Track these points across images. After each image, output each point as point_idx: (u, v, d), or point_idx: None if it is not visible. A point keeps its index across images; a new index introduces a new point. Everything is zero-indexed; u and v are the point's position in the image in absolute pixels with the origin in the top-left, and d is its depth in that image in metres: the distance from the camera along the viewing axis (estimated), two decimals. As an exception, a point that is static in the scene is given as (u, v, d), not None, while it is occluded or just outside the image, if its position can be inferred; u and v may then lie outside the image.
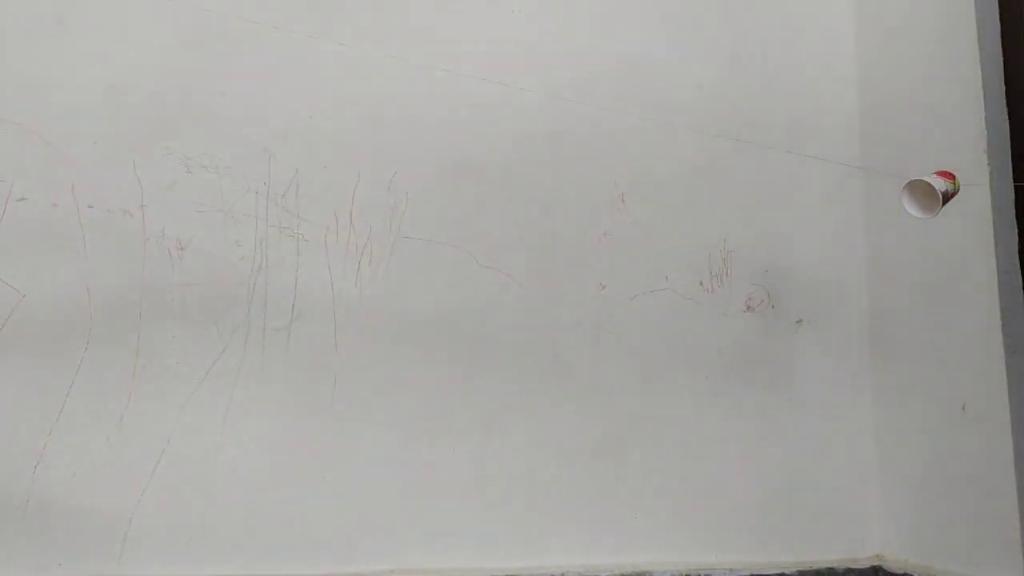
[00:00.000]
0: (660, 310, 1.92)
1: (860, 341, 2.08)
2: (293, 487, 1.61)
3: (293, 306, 1.66)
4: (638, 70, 1.99)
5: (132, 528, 1.51)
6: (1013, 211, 1.77)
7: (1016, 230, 1.77)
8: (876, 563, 1.94)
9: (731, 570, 1.84)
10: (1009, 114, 1.73)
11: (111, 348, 1.54)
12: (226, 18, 1.71)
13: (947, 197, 1.57)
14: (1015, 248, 1.75)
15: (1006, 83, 1.74)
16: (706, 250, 1.98)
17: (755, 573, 1.85)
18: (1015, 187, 1.76)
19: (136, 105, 1.62)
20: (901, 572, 1.88)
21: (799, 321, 2.03)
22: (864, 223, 2.11)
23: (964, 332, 1.78)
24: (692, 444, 1.89)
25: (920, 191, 1.59)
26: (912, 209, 1.60)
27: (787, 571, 1.87)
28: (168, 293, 1.59)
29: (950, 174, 1.59)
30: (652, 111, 1.98)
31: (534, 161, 1.87)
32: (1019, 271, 1.74)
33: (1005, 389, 1.68)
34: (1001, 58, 1.76)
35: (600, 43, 1.98)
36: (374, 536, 1.65)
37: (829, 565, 1.91)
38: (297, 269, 1.67)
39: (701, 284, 1.96)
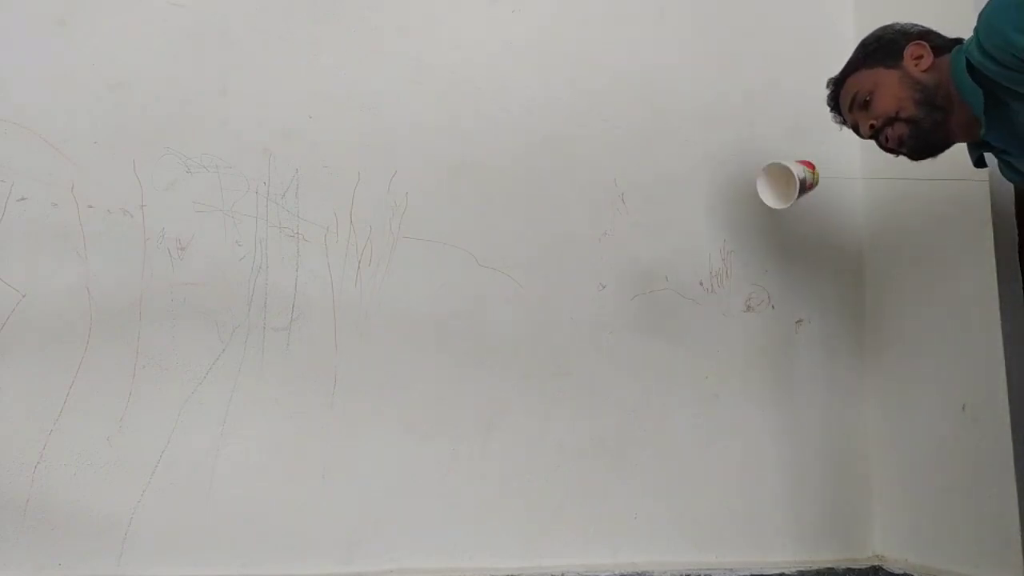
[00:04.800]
0: (660, 310, 1.92)
1: (860, 341, 2.08)
2: (293, 487, 1.61)
3: (293, 306, 1.66)
4: (638, 69, 1.99)
5: (132, 528, 1.51)
6: (1013, 211, 1.77)
7: (1016, 230, 1.77)
8: (876, 563, 1.94)
9: (731, 570, 1.84)
10: (1009, 114, 1.73)
11: (111, 348, 1.54)
12: (226, 18, 1.71)
13: (805, 185, 1.54)
14: (1015, 248, 1.75)
15: (1006, 83, 1.75)
16: (706, 250, 1.98)
17: (755, 573, 1.85)
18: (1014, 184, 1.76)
19: (136, 105, 1.62)
20: (901, 572, 1.88)
21: (799, 321, 2.03)
22: (864, 223, 2.12)
23: (964, 332, 1.79)
24: (692, 444, 1.89)
25: (779, 178, 1.57)
26: (768, 197, 1.58)
27: (787, 571, 1.87)
28: (168, 293, 1.59)
29: (811, 164, 1.58)
30: (652, 110, 1.99)
31: (534, 161, 1.87)
32: (1019, 271, 1.74)
33: (1005, 389, 1.68)
34: (1001, 58, 1.76)
35: (600, 42, 1.98)
36: (374, 536, 1.65)
37: (829, 565, 1.91)
38: (297, 269, 1.67)
39: (701, 284, 1.96)
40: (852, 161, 2.11)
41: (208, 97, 1.67)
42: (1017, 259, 1.75)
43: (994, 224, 1.74)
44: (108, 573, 1.49)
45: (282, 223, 1.68)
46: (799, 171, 1.54)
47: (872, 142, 1.49)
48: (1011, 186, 1.76)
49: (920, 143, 1.41)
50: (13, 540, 1.45)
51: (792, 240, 2.06)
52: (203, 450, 1.57)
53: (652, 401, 1.88)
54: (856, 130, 1.51)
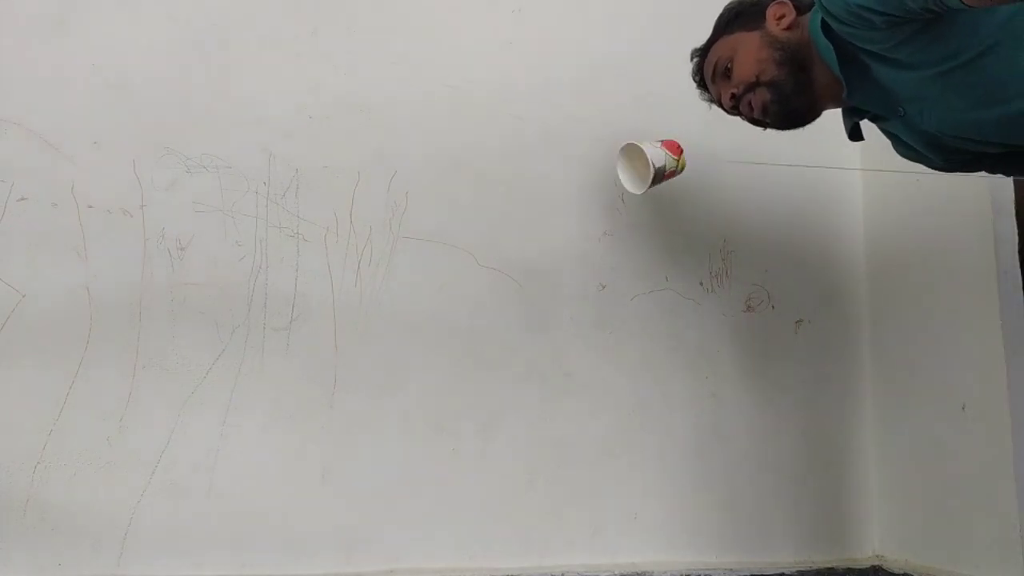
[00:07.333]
0: (660, 310, 1.92)
1: (860, 341, 2.08)
2: (293, 487, 1.61)
3: (293, 306, 1.66)
4: (638, 70, 1.99)
5: (132, 528, 1.51)
6: (1013, 211, 1.77)
7: (1016, 230, 1.77)
8: (876, 563, 1.94)
9: (731, 570, 1.84)
10: (1009, 113, 1.73)
11: (111, 348, 1.54)
12: (226, 18, 1.71)
13: (663, 174, 1.45)
14: (1015, 248, 1.75)
15: (1006, 82, 1.74)
16: (706, 250, 1.98)
17: (755, 573, 1.85)
18: (1015, 183, 1.76)
19: (136, 105, 1.62)
20: (901, 572, 1.88)
21: (799, 321, 2.03)
22: (864, 223, 2.12)
23: (964, 332, 1.78)
24: (692, 444, 1.89)
25: (638, 160, 1.50)
26: (626, 180, 1.52)
27: (787, 571, 1.87)
28: (168, 293, 1.59)
29: (678, 147, 1.49)
30: (653, 110, 1.98)
31: (534, 161, 1.87)
32: (1019, 271, 1.74)
33: (1005, 389, 1.68)
34: (1001, 57, 1.75)
35: (600, 43, 1.98)
36: (374, 536, 1.65)
37: (829, 565, 1.91)
38: (297, 269, 1.67)
39: (701, 284, 1.96)
40: (853, 158, 2.11)
41: (208, 97, 1.67)
42: (1017, 259, 1.74)
43: (994, 224, 1.74)
44: (108, 573, 1.49)
45: (282, 223, 1.68)
46: (656, 155, 1.45)
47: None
48: (1011, 186, 1.76)
49: (784, 108, 1.28)
50: (13, 540, 1.45)
51: (792, 240, 2.06)
52: (203, 450, 1.57)
53: (652, 401, 1.88)
54: (720, 104, 1.38)
